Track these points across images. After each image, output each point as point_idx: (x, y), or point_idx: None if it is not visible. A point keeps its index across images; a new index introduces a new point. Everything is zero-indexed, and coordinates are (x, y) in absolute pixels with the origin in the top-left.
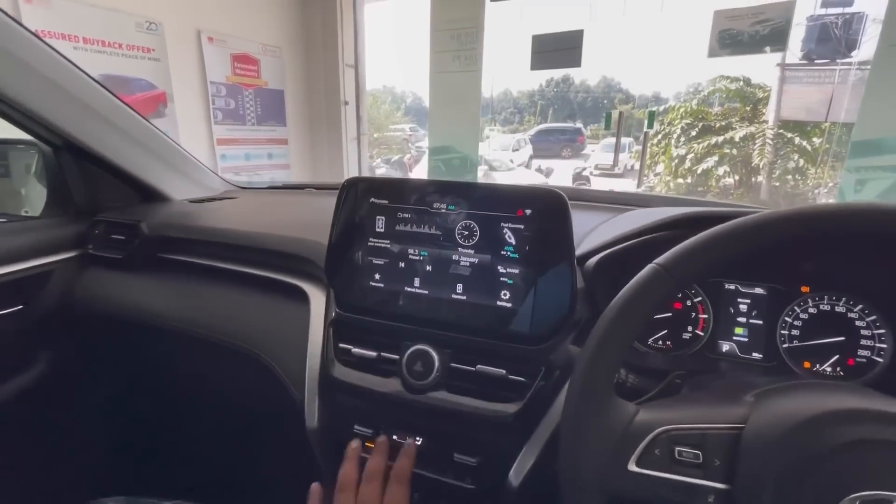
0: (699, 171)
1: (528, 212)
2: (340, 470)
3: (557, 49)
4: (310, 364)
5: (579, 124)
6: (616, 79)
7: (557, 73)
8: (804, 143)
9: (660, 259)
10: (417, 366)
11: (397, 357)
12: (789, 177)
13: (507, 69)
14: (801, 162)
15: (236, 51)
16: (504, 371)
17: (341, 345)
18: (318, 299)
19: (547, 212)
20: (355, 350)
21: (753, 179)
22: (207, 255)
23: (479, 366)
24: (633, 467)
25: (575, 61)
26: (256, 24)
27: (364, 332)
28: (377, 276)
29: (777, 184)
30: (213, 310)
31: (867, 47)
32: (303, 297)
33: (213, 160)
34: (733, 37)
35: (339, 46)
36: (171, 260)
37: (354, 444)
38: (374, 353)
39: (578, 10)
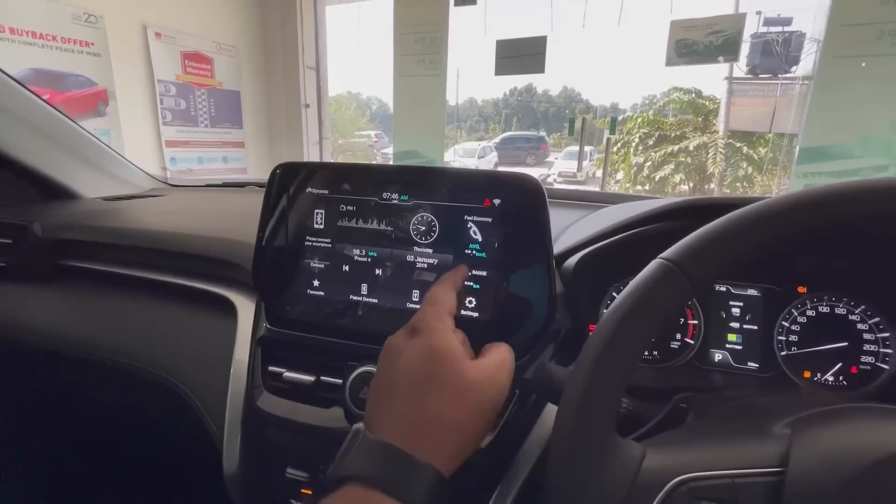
0: (657, 179)
1: (497, 201)
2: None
3: (522, 54)
4: (232, 391)
5: (543, 132)
6: (577, 89)
7: (521, 83)
8: (751, 152)
9: (667, 253)
10: (364, 392)
11: (340, 381)
12: (738, 184)
13: (472, 77)
14: (750, 170)
15: (187, 48)
16: None
17: (270, 368)
18: (247, 312)
19: (520, 201)
20: (287, 374)
21: (707, 186)
22: (116, 261)
23: None
24: None
25: (539, 67)
26: (209, 21)
27: (299, 352)
28: (315, 283)
29: (728, 191)
30: (121, 328)
31: (806, 63)
32: (230, 311)
33: (160, 162)
34: (689, 46)
35: (300, 47)
36: (71, 268)
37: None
38: (310, 378)
39: (539, 19)
